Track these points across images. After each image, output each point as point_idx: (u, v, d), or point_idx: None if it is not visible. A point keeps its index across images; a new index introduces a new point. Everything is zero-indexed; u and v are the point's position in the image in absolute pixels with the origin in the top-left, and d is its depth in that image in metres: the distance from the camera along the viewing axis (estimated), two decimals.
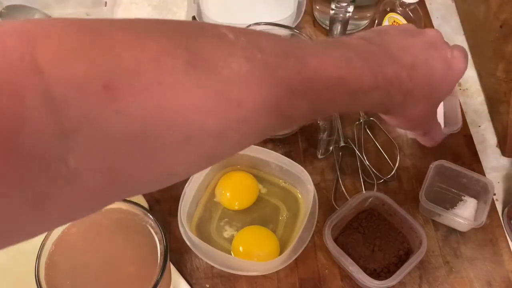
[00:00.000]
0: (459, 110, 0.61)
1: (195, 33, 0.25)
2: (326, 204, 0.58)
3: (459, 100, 0.62)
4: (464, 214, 0.55)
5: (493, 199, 0.59)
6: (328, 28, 0.68)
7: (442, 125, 0.59)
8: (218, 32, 0.25)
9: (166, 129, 0.22)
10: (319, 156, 0.60)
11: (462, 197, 0.57)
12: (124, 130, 0.21)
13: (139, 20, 0.24)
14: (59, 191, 0.21)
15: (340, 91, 0.29)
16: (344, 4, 0.62)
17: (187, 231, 0.51)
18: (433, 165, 0.56)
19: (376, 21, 0.63)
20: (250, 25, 0.57)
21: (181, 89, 0.22)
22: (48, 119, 0.19)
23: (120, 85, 0.21)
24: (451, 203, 0.57)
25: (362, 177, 0.60)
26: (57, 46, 0.20)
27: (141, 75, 0.21)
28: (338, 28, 0.66)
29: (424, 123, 0.41)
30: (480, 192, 0.56)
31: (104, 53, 0.21)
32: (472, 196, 0.57)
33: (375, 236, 0.54)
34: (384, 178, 0.60)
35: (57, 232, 0.43)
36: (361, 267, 0.49)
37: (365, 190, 0.59)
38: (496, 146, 0.65)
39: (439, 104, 0.39)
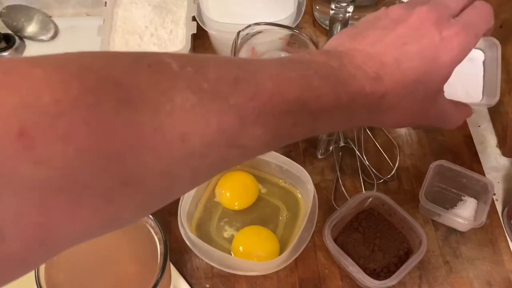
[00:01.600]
0: (499, 80, 0.48)
1: (131, 64, 0.22)
2: (326, 204, 0.58)
3: (499, 68, 0.48)
4: (464, 214, 0.55)
5: (493, 199, 0.59)
6: (328, 28, 0.68)
7: (480, 96, 0.46)
8: (159, 62, 0.23)
9: (96, 176, 0.20)
10: (319, 156, 0.60)
11: (462, 197, 0.57)
12: (47, 181, 0.18)
13: (65, 55, 0.21)
14: None
15: (300, 114, 0.27)
16: (344, 4, 0.62)
17: (187, 231, 0.51)
18: (433, 165, 0.56)
19: None
20: (250, 25, 0.57)
21: (111, 131, 0.20)
22: None
23: (38, 131, 0.18)
24: (451, 203, 0.57)
25: (362, 177, 0.60)
26: None
27: (62, 119, 0.19)
28: (338, 28, 0.66)
29: (421, 118, 0.36)
30: (480, 192, 0.56)
31: (20, 94, 0.18)
32: (472, 196, 0.57)
33: (375, 236, 0.54)
34: (384, 178, 0.60)
35: None
36: (361, 267, 0.49)
37: (365, 190, 0.59)
38: (496, 146, 0.65)
39: (434, 95, 0.35)
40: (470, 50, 0.34)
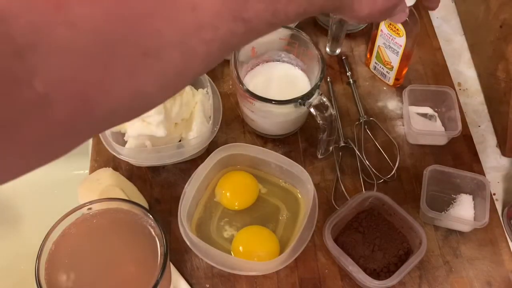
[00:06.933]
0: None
1: None
2: (326, 204, 0.58)
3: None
4: (461, 212, 0.55)
5: (493, 199, 0.59)
6: (328, 28, 0.68)
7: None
8: None
9: (121, 42, 0.22)
10: (319, 156, 0.60)
11: (458, 196, 0.57)
12: (79, 45, 0.21)
13: None
14: (28, 119, 0.20)
15: None
16: None
17: (187, 231, 0.51)
18: (427, 171, 0.56)
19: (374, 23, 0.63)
20: None
21: None
22: None
23: None
24: (447, 204, 0.57)
25: (362, 177, 0.60)
26: None
27: None
28: (338, 28, 0.66)
29: (382, 14, 0.39)
30: (475, 189, 0.56)
31: None
32: (467, 194, 0.57)
33: (375, 236, 0.54)
34: (384, 178, 0.60)
35: (57, 232, 0.44)
36: (361, 267, 0.49)
37: (365, 190, 0.59)
38: (496, 146, 0.65)
39: None
40: None
